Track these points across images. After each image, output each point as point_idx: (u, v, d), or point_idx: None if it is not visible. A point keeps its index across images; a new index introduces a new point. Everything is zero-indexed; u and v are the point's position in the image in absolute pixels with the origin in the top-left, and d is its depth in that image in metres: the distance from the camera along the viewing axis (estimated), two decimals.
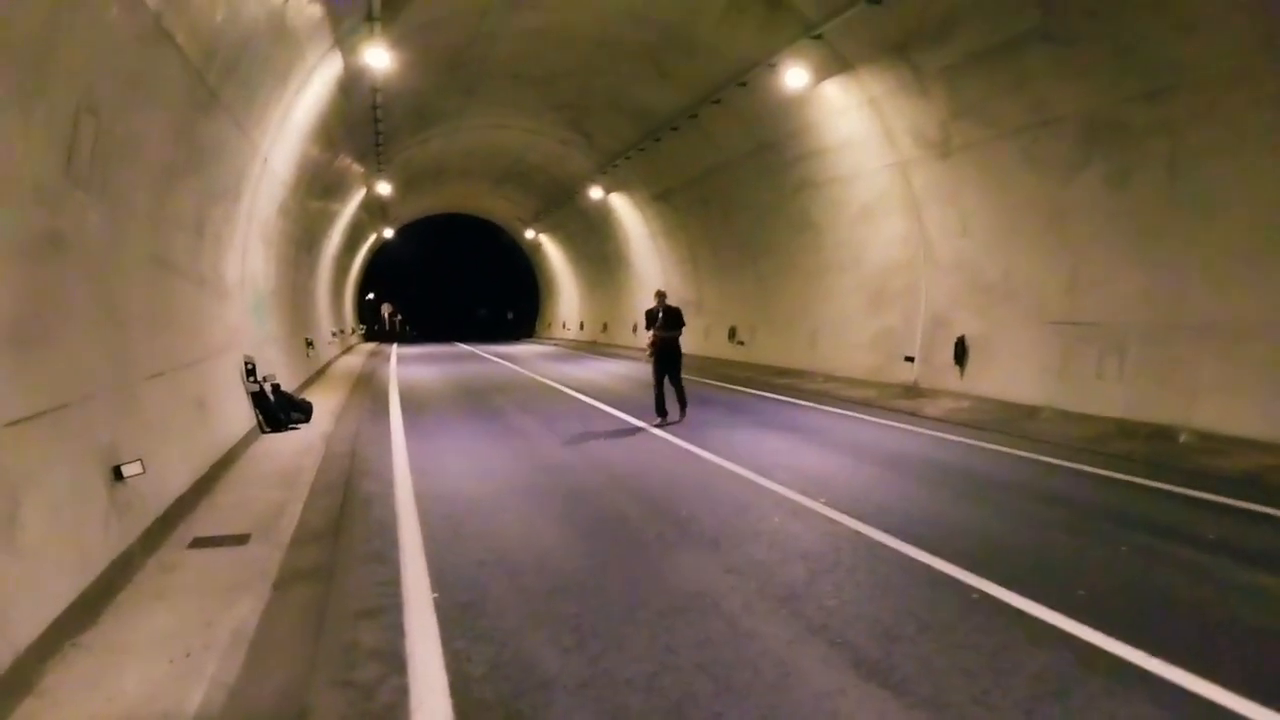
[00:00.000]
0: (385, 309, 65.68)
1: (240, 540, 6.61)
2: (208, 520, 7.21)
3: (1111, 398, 11.65)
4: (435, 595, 5.36)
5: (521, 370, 25.27)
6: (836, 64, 15.22)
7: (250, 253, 13.16)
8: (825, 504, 7.73)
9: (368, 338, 52.88)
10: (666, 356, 13.00)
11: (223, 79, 9.04)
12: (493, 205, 44.26)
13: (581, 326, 42.94)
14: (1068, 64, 11.42)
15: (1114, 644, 4.53)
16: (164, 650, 4.54)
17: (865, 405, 15.27)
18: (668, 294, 13.79)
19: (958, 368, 14.75)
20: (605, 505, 7.87)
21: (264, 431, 11.60)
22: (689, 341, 27.35)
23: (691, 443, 11.13)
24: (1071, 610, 5.00)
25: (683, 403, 13.09)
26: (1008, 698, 3.95)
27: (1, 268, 4.65)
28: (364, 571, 5.91)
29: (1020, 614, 5.01)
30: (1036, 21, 11.30)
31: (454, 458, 10.35)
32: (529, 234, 44.41)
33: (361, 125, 18.73)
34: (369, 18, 12.61)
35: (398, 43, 14.54)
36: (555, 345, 43.34)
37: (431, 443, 11.42)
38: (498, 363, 29.08)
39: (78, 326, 5.89)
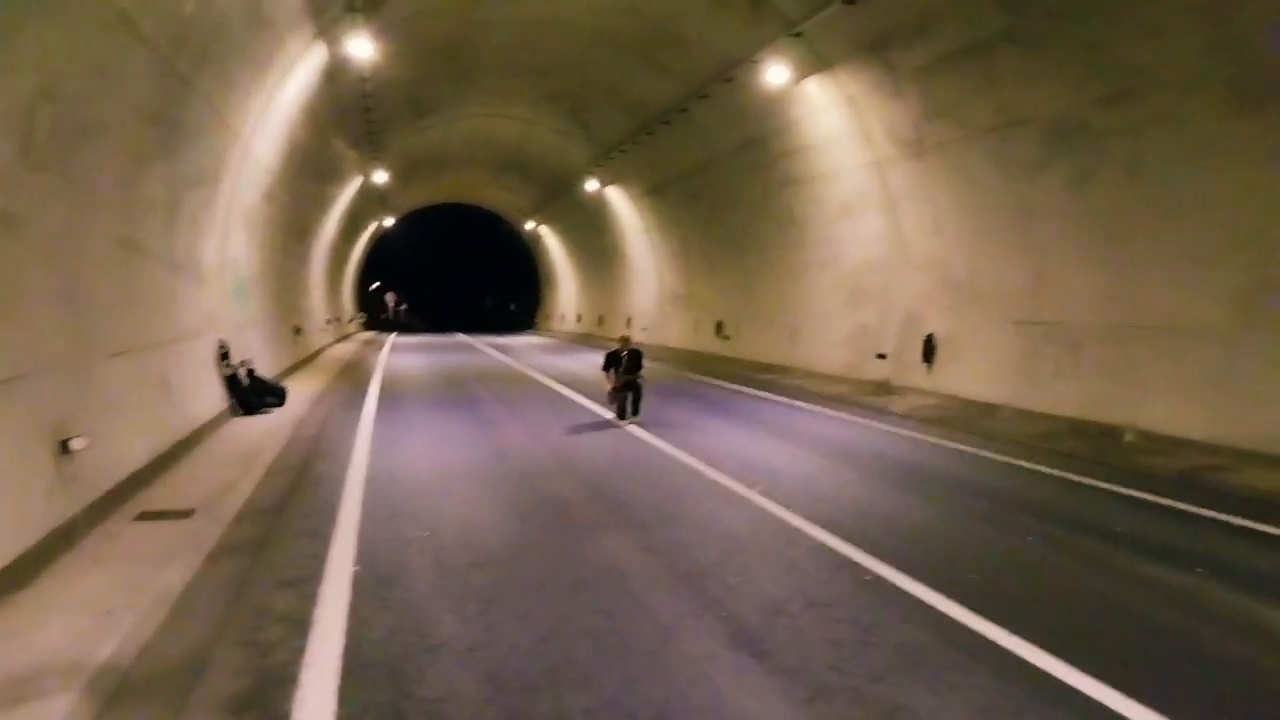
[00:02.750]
0: (390, 298, 66.05)
1: (185, 515, 6.89)
2: (160, 495, 7.50)
3: (1068, 396, 11.86)
4: (357, 568, 5.64)
5: (508, 361, 25.58)
6: (816, 62, 15.42)
7: (232, 238, 13.43)
8: (760, 493, 7.99)
9: (372, 326, 53.22)
10: (627, 387, 12.84)
11: (196, 67, 9.29)
12: (494, 195, 44.49)
13: (579, 319, 43.20)
14: (1033, 66, 11.59)
15: (981, 623, 4.79)
16: (88, 609, 4.83)
17: (836, 401, 15.50)
18: (632, 333, 13.27)
19: (926, 365, 14.96)
20: (549, 490, 8.13)
21: (236, 414, 11.89)
22: (678, 336, 27.72)
23: (653, 434, 11.38)
24: (954, 593, 5.25)
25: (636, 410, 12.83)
26: (862, 666, 4.21)
27: None
28: (296, 545, 6.19)
29: (905, 594, 5.27)
30: (1003, 24, 11.49)
31: (416, 443, 10.62)
32: (529, 225, 44.68)
33: (352, 114, 18.98)
34: (351, 9, 12.85)
35: (384, 32, 14.78)
36: (552, 337, 43.64)
37: (398, 429, 11.69)
38: (488, 353, 29.38)
39: (30, 305, 6.15)
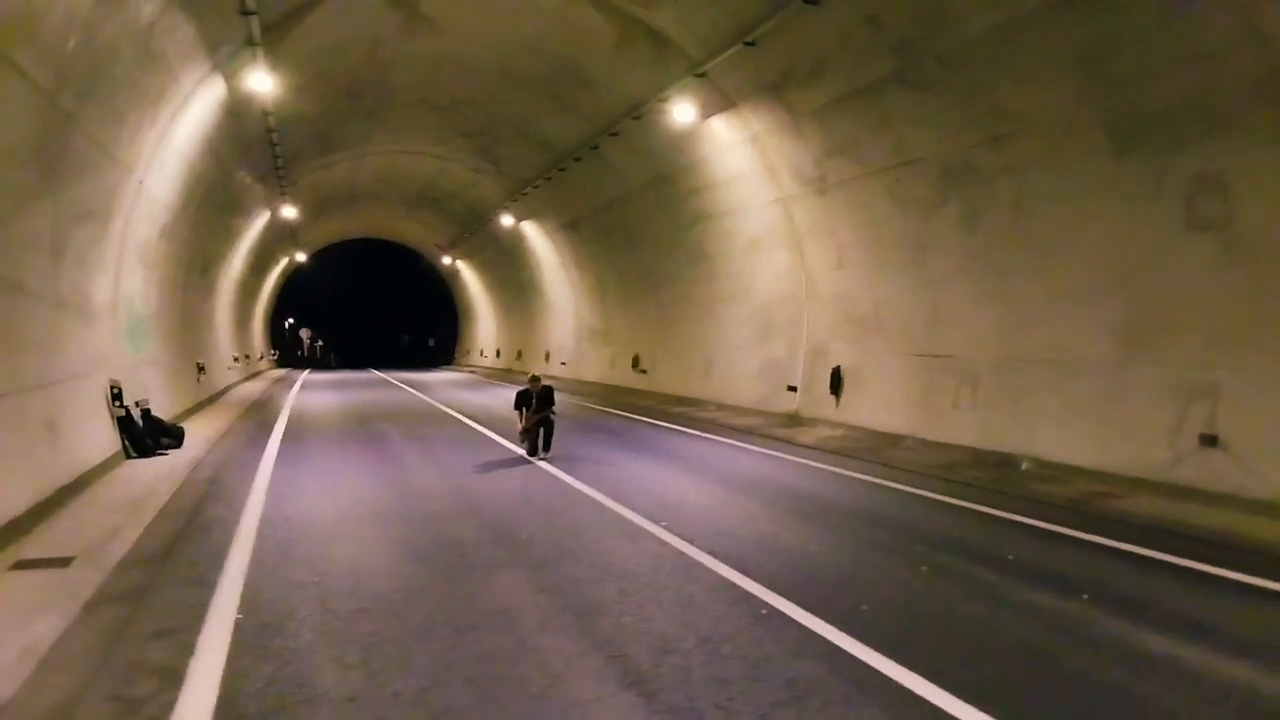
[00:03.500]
0: (304, 334, 64.74)
1: (63, 563, 6.59)
2: (40, 543, 7.17)
3: (966, 427, 12.19)
4: (239, 616, 5.44)
5: (422, 397, 25.25)
6: (721, 101, 15.71)
7: (126, 275, 13.00)
8: (664, 528, 7.99)
9: (286, 364, 52.03)
10: (539, 424, 12.77)
11: (81, 102, 9.03)
12: (410, 230, 44.08)
13: (498, 354, 42.95)
14: (923, 108, 12.01)
15: (870, 654, 4.84)
16: None
17: (748, 433, 15.65)
18: (541, 378, 13.00)
19: (834, 397, 15.24)
20: (449, 530, 8.00)
21: (130, 456, 11.46)
22: (596, 370, 27.73)
23: (562, 470, 11.32)
24: (846, 624, 5.31)
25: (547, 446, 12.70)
26: (749, 703, 4.21)
27: None
28: (178, 594, 5.96)
29: (798, 627, 5.31)
30: (893, 67, 11.86)
31: (317, 484, 10.36)
32: (446, 260, 44.36)
33: (257, 148, 18.64)
34: (250, 43, 12.64)
35: (286, 67, 14.58)
36: (471, 373, 43.29)
37: (300, 469, 11.42)
38: (403, 389, 28.97)
39: None
